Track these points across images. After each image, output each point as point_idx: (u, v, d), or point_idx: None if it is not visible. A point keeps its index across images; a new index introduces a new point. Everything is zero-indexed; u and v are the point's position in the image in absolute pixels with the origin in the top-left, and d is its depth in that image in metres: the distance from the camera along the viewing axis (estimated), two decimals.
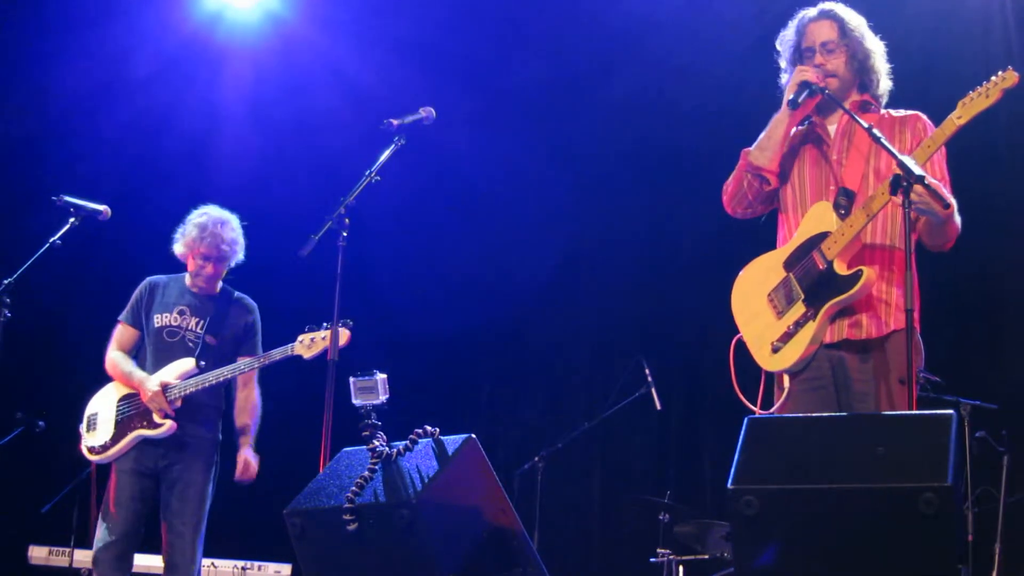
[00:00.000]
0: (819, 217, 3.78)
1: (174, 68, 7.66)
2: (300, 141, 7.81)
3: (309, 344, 4.74)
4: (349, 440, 3.77)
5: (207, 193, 5.41)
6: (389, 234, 7.59)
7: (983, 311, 6.59)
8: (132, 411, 4.97)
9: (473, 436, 3.51)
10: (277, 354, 4.88)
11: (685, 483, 7.18)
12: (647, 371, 6.60)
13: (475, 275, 7.68)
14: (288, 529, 3.57)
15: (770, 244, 3.99)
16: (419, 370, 7.38)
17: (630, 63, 7.34)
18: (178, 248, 5.18)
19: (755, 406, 3.81)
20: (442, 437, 3.52)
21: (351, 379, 3.67)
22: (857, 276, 3.63)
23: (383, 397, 3.62)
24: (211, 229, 5.08)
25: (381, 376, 3.64)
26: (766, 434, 3.07)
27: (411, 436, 3.55)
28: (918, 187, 3.38)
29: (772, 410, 3.78)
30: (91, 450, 5.02)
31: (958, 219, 3.68)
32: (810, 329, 3.70)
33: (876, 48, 3.92)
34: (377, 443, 3.55)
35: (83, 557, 5.75)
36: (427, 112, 4.48)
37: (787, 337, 3.75)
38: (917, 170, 3.39)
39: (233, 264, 5.21)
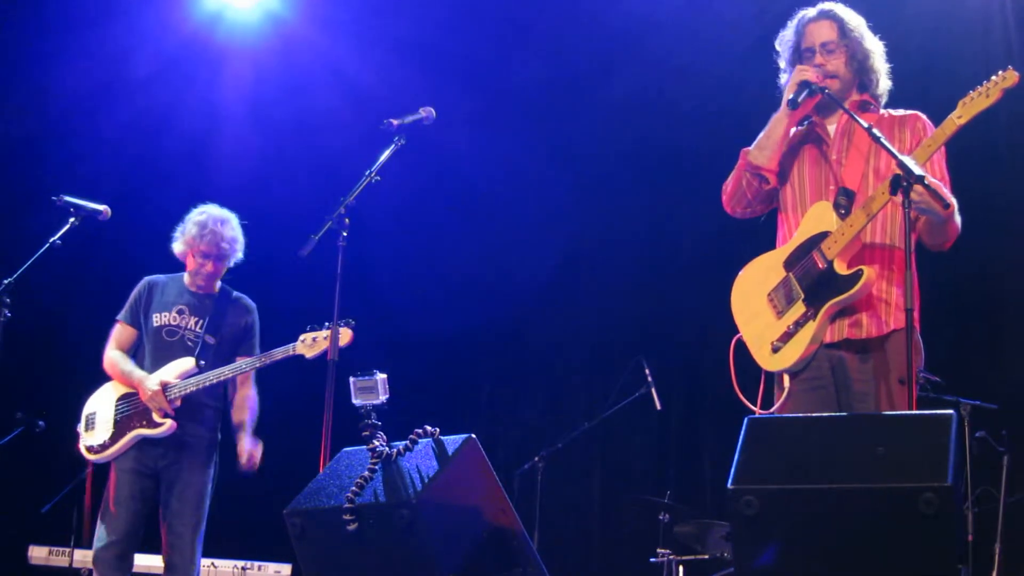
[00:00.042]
0: (819, 217, 3.78)
1: (174, 68, 7.66)
2: (300, 141, 7.81)
3: (311, 344, 4.74)
4: (349, 440, 3.77)
5: (207, 193, 5.41)
6: (389, 234, 7.59)
7: (983, 311, 6.59)
8: (131, 410, 4.97)
9: (473, 436, 3.51)
10: (279, 353, 4.88)
11: (685, 483, 7.18)
12: (647, 371, 6.60)
13: (475, 275, 7.68)
14: (288, 529, 3.57)
15: (770, 244, 3.99)
16: (419, 370, 7.38)
17: (630, 63, 7.34)
18: (177, 247, 5.18)
19: (755, 406, 3.81)
20: (442, 437, 3.52)
21: (351, 379, 3.67)
22: (857, 276, 3.63)
23: (383, 397, 3.62)
24: (211, 227, 5.08)
25: (381, 376, 3.64)
26: (766, 434, 3.07)
27: (411, 436, 3.55)
28: (918, 187, 3.38)
29: (772, 410, 3.78)
30: (90, 449, 5.02)
31: (958, 219, 3.68)
32: (810, 329, 3.70)
33: (875, 48, 3.92)
34: (377, 443, 3.55)
35: (83, 557, 5.75)
36: (427, 112, 4.48)
37: (787, 337, 3.75)
38: (917, 170, 3.39)
39: (232, 263, 5.21)
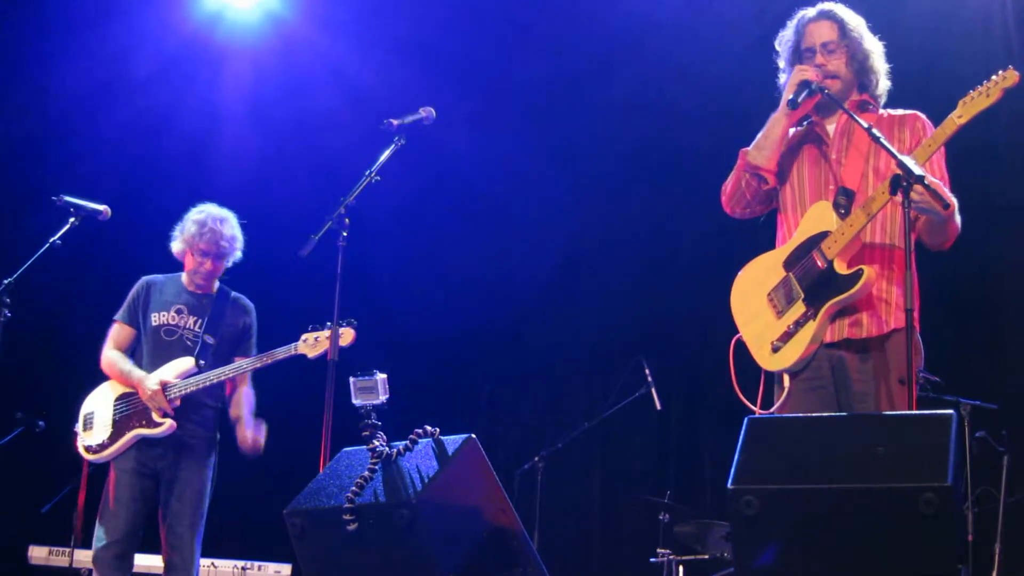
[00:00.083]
0: (819, 216, 3.78)
1: (174, 68, 7.66)
2: (300, 141, 7.81)
3: (313, 344, 4.74)
4: (349, 440, 3.77)
5: (207, 193, 5.41)
6: (389, 234, 7.59)
7: (983, 311, 6.59)
8: (130, 410, 4.96)
9: (473, 436, 3.51)
10: (280, 353, 4.87)
11: (685, 483, 7.18)
12: (647, 371, 6.60)
13: (475, 275, 7.68)
14: (288, 529, 3.57)
15: (770, 244, 3.99)
16: (419, 370, 7.38)
17: (630, 63, 7.34)
18: (176, 246, 5.18)
19: (755, 406, 3.81)
20: (442, 437, 3.52)
21: (351, 379, 3.67)
22: (857, 275, 3.63)
23: (383, 397, 3.62)
24: (210, 225, 5.09)
25: (381, 376, 3.64)
26: (766, 434, 3.07)
27: (411, 436, 3.55)
28: (918, 187, 3.38)
29: (772, 410, 3.78)
30: (88, 449, 5.01)
31: (958, 219, 3.69)
32: (810, 328, 3.70)
33: (875, 48, 3.93)
34: (377, 443, 3.55)
35: (83, 557, 5.74)
36: (427, 112, 4.48)
37: (787, 336, 3.75)
38: (917, 170, 3.39)
39: (230, 263, 5.21)
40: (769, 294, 3.84)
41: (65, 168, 7.30)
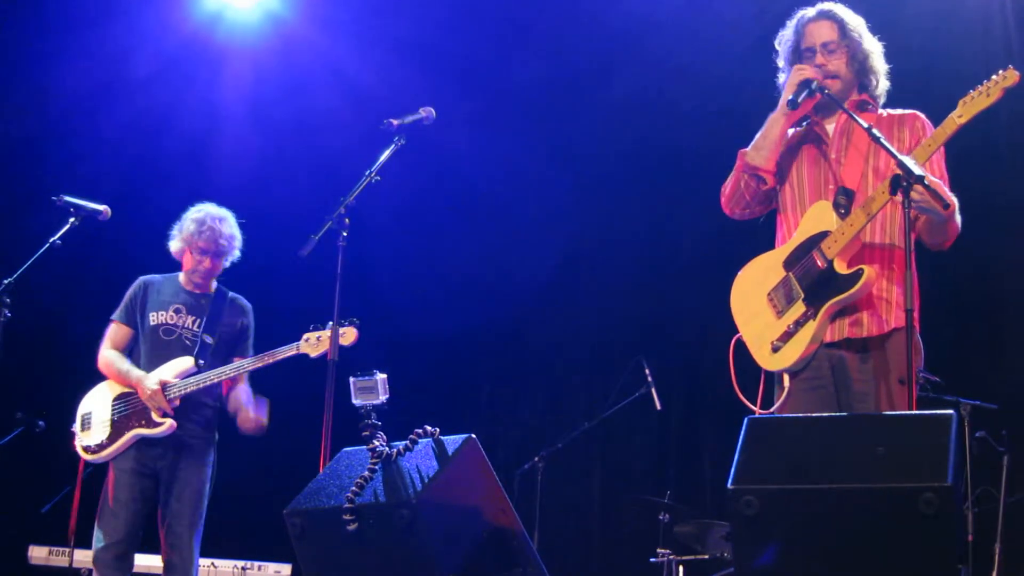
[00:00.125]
0: (819, 216, 3.78)
1: (174, 68, 7.66)
2: (300, 141, 7.81)
3: (315, 343, 4.73)
4: (349, 440, 3.77)
5: (207, 193, 5.41)
6: (389, 234, 7.59)
7: (983, 311, 6.59)
8: (129, 410, 4.96)
9: (473, 436, 3.51)
10: (283, 352, 4.87)
11: (685, 483, 7.18)
12: (647, 371, 6.60)
13: (475, 275, 7.68)
14: (288, 529, 3.57)
15: (769, 244, 3.99)
16: (419, 370, 7.38)
17: (630, 63, 7.34)
18: (175, 244, 5.18)
19: (755, 406, 3.81)
20: (442, 437, 3.52)
21: (351, 379, 3.67)
22: (858, 275, 3.63)
23: (383, 397, 3.62)
24: (209, 224, 5.09)
25: (381, 376, 3.64)
26: (766, 434, 3.07)
27: (411, 436, 3.55)
28: (918, 187, 3.38)
29: (772, 410, 3.78)
30: (87, 449, 5.01)
31: (959, 218, 3.69)
32: (810, 328, 3.70)
33: (875, 48, 3.93)
34: (377, 443, 3.55)
35: (83, 557, 5.73)
36: (427, 112, 4.48)
37: (787, 336, 3.75)
38: (917, 170, 3.39)
39: (228, 262, 5.21)
40: (769, 294, 3.84)
41: (65, 168, 7.30)
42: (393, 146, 4.40)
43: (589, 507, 7.60)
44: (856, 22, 3.92)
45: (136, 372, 4.98)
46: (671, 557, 6.33)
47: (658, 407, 6.56)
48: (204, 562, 5.82)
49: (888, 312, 3.69)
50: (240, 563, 6.17)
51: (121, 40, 7.46)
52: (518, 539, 3.52)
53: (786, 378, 3.78)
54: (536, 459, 6.70)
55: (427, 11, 7.59)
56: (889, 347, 3.66)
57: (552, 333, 7.85)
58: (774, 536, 2.88)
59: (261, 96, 7.83)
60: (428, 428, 3.55)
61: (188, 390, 4.91)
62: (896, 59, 4.00)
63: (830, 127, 3.92)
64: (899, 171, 3.41)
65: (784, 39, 3.99)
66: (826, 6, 3.96)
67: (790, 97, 3.80)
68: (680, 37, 7.05)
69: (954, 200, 3.63)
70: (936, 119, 3.65)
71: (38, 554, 6.26)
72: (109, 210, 5.02)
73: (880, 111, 3.92)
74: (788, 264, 3.81)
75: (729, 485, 2.93)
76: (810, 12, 3.96)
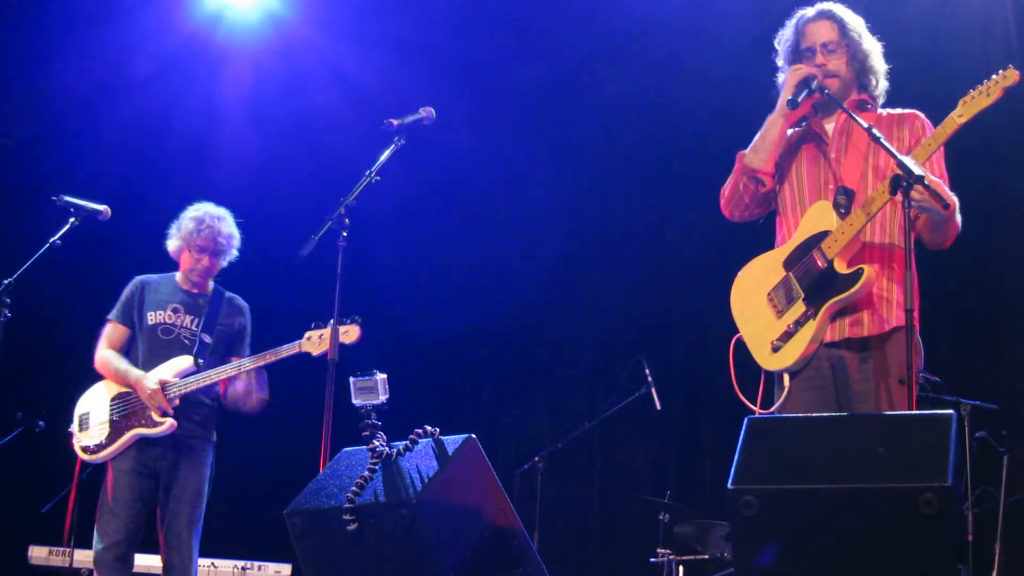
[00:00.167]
0: (818, 216, 3.78)
1: (174, 68, 7.66)
2: (300, 141, 7.81)
3: (317, 341, 4.73)
4: (349, 440, 3.77)
5: (207, 193, 5.41)
6: (389, 234, 7.59)
7: (983, 311, 6.59)
8: (127, 410, 4.95)
9: (473, 436, 3.51)
10: (285, 351, 4.86)
11: (685, 483, 7.18)
12: (647, 371, 6.60)
13: (475, 275, 7.68)
14: (288, 529, 3.57)
15: (769, 244, 3.99)
16: (419, 370, 7.38)
17: (630, 63, 7.34)
18: (173, 243, 5.18)
19: (755, 406, 3.81)
20: (442, 437, 3.52)
21: (351, 379, 3.67)
22: (858, 275, 3.63)
23: (383, 397, 3.63)
24: (208, 222, 5.10)
25: (381, 376, 3.64)
26: (766, 434, 3.07)
27: (411, 436, 3.55)
28: (919, 187, 3.38)
29: (772, 409, 3.78)
30: (86, 450, 5.00)
31: (959, 217, 3.68)
32: (810, 328, 3.70)
33: (874, 48, 3.93)
34: (377, 443, 3.55)
35: (83, 557, 5.74)
36: (427, 112, 4.48)
37: (787, 336, 3.75)
38: (917, 170, 3.39)
39: (226, 262, 5.21)
40: (769, 294, 3.84)
41: (65, 168, 7.30)
42: (393, 146, 4.40)
43: (589, 507, 7.60)
44: (856, 22, 3.92)
45: (135, 372, 4.97)
46: (671, 557, 6.33)
47: (658, 407, 6.56)
48: (204, 562, 5.82)
49: (888, 311, 3.69)
50: (240, 563, 6.16)
51: (121, 40, 7.46)
52: (518, 539, 3.52)
53: (786, 378, 3.78)
54: (536, 459, 6.70)
55: (427, 11, 7.59)
56: (889, 347, 3.66)
57: (552, 333, 7.86)
58: (774, 536, 2.88)
59: (261, 96, 7.83)
60: (428, 428, 3.56)
61: (188, 389, 4.90)
62: (896, 59, 4.00)
63: (829, 126, 3.91)
64: (899, 171, 3.41)
65: (784, 39, 3.99)
66: (826, 6, 3.96)
67: (790, 96, 3.80)
68: (680, 37, 7.06)
69: (954, 199, 3.63)
70: (936, 119, 3.65)
71: (38, 554, 6.26)
72: (109, 210, 5.02)
73: (879, 111, 3.92)
74: (788, 264, 3.81)
75: (729, 485, 2.93)
76: (810, 12, 3.95)
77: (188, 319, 5.10)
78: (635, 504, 6.88)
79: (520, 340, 7.95)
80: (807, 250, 3.74)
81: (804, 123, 3.97)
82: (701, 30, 7.03)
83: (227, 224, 5.17)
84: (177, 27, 7.64)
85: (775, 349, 3.77)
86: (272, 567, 6.21)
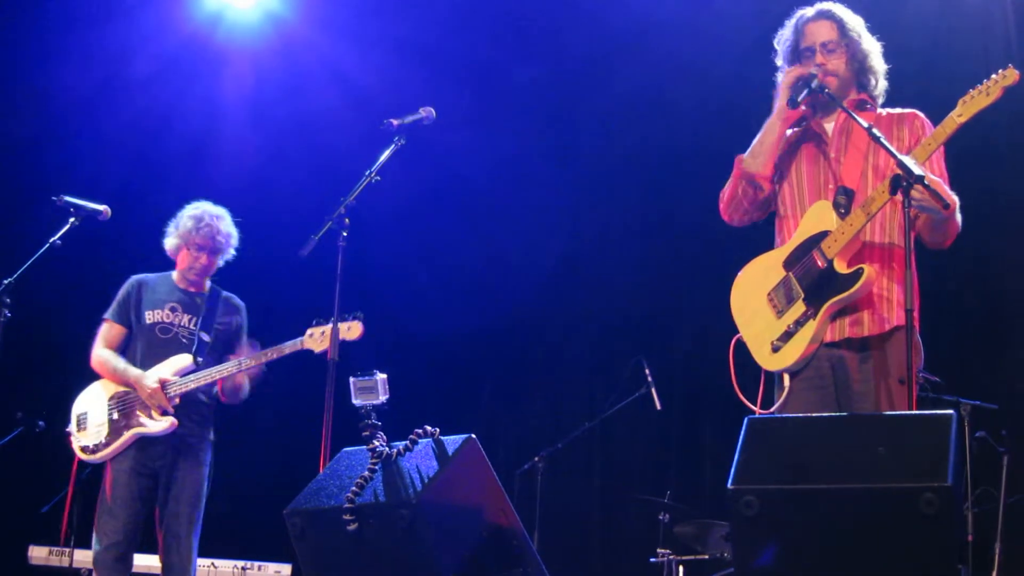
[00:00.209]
0: (818, 216, 3.78)
1: (174, 68, 7.66)
2: (300, 141, 7.81)
3: (319, 338, 4.73)
4: (349, 440, 3.77)
5: (207, 193, 5.41)
6: (389, 234, 7.59)
7: (983, 311, 6.59)
8: (126, 409, 4.95)
9: (473, 436, 3.51)
10: (287, 348, 4.86)
11: (685, 483, 7.17)
12: (647, 371, 6.60)
13: (475, 275, 7.68)
14: (288, 529, 3.57)
15: (769, 244, 3.99)
16: (419, 370, 7.38)
17: (630, 63, 7.34)
18: (171, 242, 5.17)
19: (755, 406, 3.81)
20: (442, 437, 3.52)
21: (351, 379, 3.67)
22: (858, 275, 3.63)
23: (383, 397, 3.63)
24: (207, 220, 5.10)
25: (381, 376, 3.64)
26: (766, 434, 3.07)
27: (411, 436, 3.55)
28: (919, 187, 3.38)
29: (772, 409, 3.78)
30: (85, 450, 5.00)
31: (959, 217, 3.69)
32: (810, 328, 3.70)
33: (873, 48, 3.93)
34: (377, 443, 3.55)
35: (83, 557, 5.74)
36: (427, 112, 4.48)
37: (787, 336, 3.75)
38: (917, 170, 3.39)
39: (223, 261, 5.21)
40: (769, 294, 3.84)
41: (65, 168, 7.30)
42: (393, 146, 4.40)
43: (589, 507, 7.60)
44: (855, 22, 3.92)
45: (134, 371, 4.97)
46: (671, 557, 6.33)
47: (658, 407, 6.56)
48: (204, 562, 5.82)
49: (889, 311, 3.69)
50: (240, 563, 6.16)
51: (121, 40, 7.46)
52: (518, 539, 3.52)
53: (786, 378, 3.78)
54: (536, 459, 6.70)
55: (427, 11, 7.59)
56: (889, 347, 3.66)
57: (552, 333, 7.85)
58: (774, 536, 2.88)
59: (261, 96, 7.83)
60: (428, 428, 3.56)
61: (187, 388, 4.90)
62: (896, 59, 4.00)
63: (829, 126, 3.91)
64: (899, 171, 3.41)
65: (783, 39, 3.99)
66: (825, 6, 3.96)
67: (790, 96, 3.80)
68: (680, 36, 7.05)
69: (954, 199, 3.63)
70: (936, 119, 3.65)
71: (38, 554, 6.26)
72: (109, 210, 5.02)
73: (879, 110, 3.92)
74: (788, 264, 3.81)
75: (729, 485, 2.93)
76: (809, 12, 3.96)
77: (186, 318, 5.10)
78: (635, 504, 6.88)
79: (520, 340, 7.94)
80: (807, 250, 3.74)
81: (804, 123, 3.97)
82: (701, 30, 7.03)
83: (225, 223, 5.17)
84: (177, 27, 7.64)
85: (775, 349, 3.77)
86: (272, 567, 6.21)
